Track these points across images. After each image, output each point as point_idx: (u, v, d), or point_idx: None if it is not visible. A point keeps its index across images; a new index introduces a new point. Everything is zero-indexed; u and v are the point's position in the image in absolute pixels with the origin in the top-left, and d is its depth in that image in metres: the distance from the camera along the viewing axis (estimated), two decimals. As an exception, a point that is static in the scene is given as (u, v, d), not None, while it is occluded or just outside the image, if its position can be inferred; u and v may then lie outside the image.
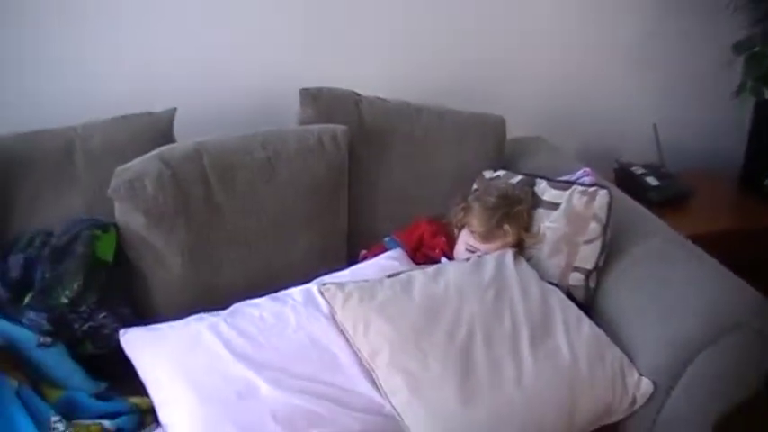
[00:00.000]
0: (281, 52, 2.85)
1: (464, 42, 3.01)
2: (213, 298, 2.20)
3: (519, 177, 2.41)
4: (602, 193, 2.20)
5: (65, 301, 2.11)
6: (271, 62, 2.85)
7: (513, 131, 2.72)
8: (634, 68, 3.27)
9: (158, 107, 2.54)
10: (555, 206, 2.27)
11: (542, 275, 2.18)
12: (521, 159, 2.66)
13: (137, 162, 2.24)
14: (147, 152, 2.30)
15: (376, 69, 2.90)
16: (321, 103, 2.52)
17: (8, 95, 2.63)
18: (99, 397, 2.12)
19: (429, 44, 2.98)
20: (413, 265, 2.29)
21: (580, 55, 3.18)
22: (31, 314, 2.10)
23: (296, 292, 2.14)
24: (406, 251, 2.36)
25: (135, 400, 2.09)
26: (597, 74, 3.24)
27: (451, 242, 2.38)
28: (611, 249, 2.21)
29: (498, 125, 2.64)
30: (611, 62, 3.24)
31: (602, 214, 2.18)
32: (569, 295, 2.15)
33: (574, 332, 2.00)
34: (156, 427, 2.01)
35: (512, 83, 3.09)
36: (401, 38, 2.95)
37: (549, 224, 2.26)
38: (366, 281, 2.09)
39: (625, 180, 3.02)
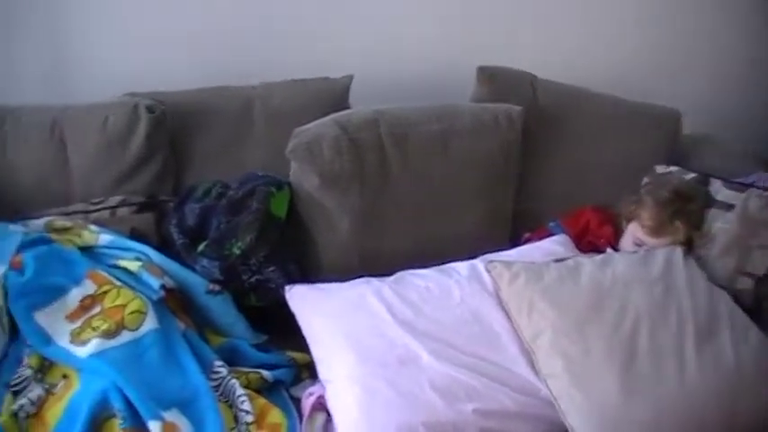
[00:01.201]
0: (456, 28, 2.87)
1: (640, 31, 2.96)
2: (377, 263, 2.24)
3: (692, 175, 2.37)
4: (782, 198, 2.15)
5: (237, 252, 2.18)
6: (445, 37, 2.88)
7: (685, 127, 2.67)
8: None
9: (333, 73, 2.60)
10: (729, 207, 2.22)
11: (710, 276, 2.14)
12: (692, 157, 2.59)
13: (315, 124, 2.31)
14: (322, 115, 2.37)
15: (553, 52, 2.89)
16: (497, 81, 2.54)
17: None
18: (258, 348, 2.21)
19: (607, 30, 2.95)
20: (577, 252, 2.27)
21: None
22: (204, 261, 2.19)
23: (461, 266, 2.16)
24: (571, 237, 2.34)
25: (293, 354, 2.17)
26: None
27: (618, 233, 2.36)
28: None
29: (673, 119, 2.61)
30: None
31: (780, 221, 2.13)
32: (736, 299, 2.10)
33: (740, 338, 1.96)
34: (312, 383, 2.07)
35: (686, 74, 3.00)
36: (580, 24, 2.94)
37: (721, 225, 2.21)
38: (533, 263, 2.09)
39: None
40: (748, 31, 3.05)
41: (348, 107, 2.54)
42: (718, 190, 2.28)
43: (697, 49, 3.03)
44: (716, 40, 3.04)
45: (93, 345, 1.91)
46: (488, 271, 2.09)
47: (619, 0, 2.94)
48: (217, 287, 2.20)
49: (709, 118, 2.89)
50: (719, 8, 2.99)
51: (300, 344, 2.11)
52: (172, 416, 1.83)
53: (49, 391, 1.90)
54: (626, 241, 2.30)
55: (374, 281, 2.13)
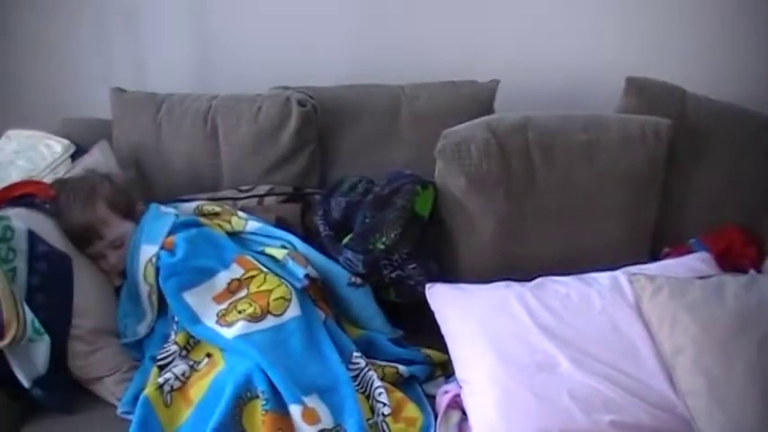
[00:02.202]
0: (605, 38, 2.87)
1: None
2: (517, 268, 2.26)
3: None
4: None
5: (381, 247, 2.22)
6: (593, 47, 2.87)
7: None
8: None
9: (479, 77, 2.64)
10: None
11: None
12: None
13: (464, 126, 2.33)
14: (467, 118, 2.40)
15: (698, 67, 2.84)
16: (646, 93, 2.51)
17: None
18: (395, 343, 2.25)
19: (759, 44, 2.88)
20: (720, 270, 2.23)
21: None
22: (349, 254, 2.23)
23: (602, 276, 2.15)
24: (713, 255, 2.30)
25: (428, 351, 2.20)
26: None
27: (762, 256, 2.32)
28: None
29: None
30: None
31: None
32: None
33: None
34: (447, 381, 2.10)
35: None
36: (730, 36, 2.88)
37: None
38: (676, 278, 2.06)
39: None
40: None
41: (493, 112, 2.56)
42: None
43: None
44: None
45: (239, 327, 1.98)
46: (631, 283, 2.07)
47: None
48: (358, 280, 2.25)
49: None
50: None
51: (435, 342, 2.15)
52: (312, 401, 1.89)
53: (193, 368, 1.99)
54: (772, 265, 2.26)
55: (516, 285, 2.14)
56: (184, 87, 2.72)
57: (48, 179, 2.31)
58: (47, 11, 2.88)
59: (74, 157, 2.47)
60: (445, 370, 2.17)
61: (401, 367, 2.12)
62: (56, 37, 2.92)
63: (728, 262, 2.33)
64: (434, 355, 2.19)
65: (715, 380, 1.84)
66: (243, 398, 1.86)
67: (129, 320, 2.14)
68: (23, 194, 2.17)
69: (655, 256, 2.40)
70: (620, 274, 2.14)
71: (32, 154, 2.42)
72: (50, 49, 2.94)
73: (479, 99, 2.59)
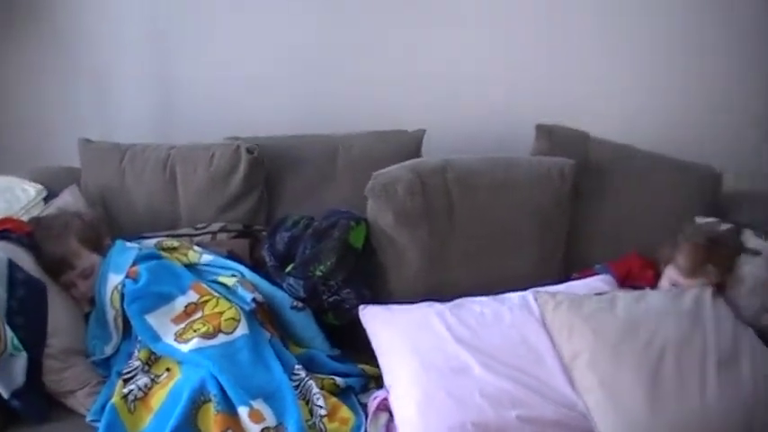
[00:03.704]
0: (520, 89, 3.21)
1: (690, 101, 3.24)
2: (441, 292, 2.53)
3: (727, 226, 2.60)
4: (804, 245, 2.39)
5: (319, 273, 2.51)
6: (509, 97, 3.21)
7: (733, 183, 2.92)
8: None
9: (407, 126, 2.96)
10: (757, 253, 2.46)
11: (737, 315, 2.36)
12: (733, 212, 2.79)
13: (392, 169, 2.64)
14: (397, 162, 2.69)
15: (607, 112, 3.17)
16: (554, 138, 2.83)
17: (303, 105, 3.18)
18: (333, 359, 2.51)
19: (656, 98, 3.23)
20: (618, 289, 2.53)
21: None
22: (291, 280, 2.52)
23: (513, 296, 2.45)
24: (616, 279, 2.59)
25: (363, 366, 2.47)
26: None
27: (658, 277, 2.59)
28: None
29: (714, 178, 2.84)
30: None
31: (803, 264, 2.37)
32: (761, 335, 2.32)
33: (759, 366, 2.17)
34: (377, 392, 2.35)
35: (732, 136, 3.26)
36: (634, 88, 3.23)
37: (749, 269, 2.44)
38: (575, 294, 2.37)
39: None
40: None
41: (420, 156, 2.86)
42: (749, 238, 2.51)
43: (743, 112, 3.27)
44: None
45: (194, 342, 2.24)
46: (536, 299, 2.38)
47: (667, 69, 3.20)
48: (300, 304, 2.52)
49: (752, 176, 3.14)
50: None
51: (368, 359, 2.42)
52: (258, 404, 2.15)
53: (154, 381, 2.24)
54: (663, 283, 2.53)
55: (437, 305, 2.43)
56: (145, 138, 3.01)
57: (24, 218, 2.57)
58: (16, 66, 3.22)
59: (46, 200, 2.73)
60: (378, 383, 2.40)
61: (338, 379, 2.38)
62: (25, 92, 3.25)
63: (630, 284, 2.61)
64: (368, 369, 2.45)
65: (606, 378, 2.14)
66: (197, 401, 2.12)
67: (97, 342, 2.40)
68: (2, 230, 2.42)
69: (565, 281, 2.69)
70: (528, 294, 2.44)
71: (9, 196, 2.68)
72: (18, 104, 3.26)
73: (408, 145, 2.89)
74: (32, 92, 3.26)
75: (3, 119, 3.27)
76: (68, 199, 2.71)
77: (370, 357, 2.40)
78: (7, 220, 2.50)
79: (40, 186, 2.77)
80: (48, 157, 3.09)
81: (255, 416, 2.12)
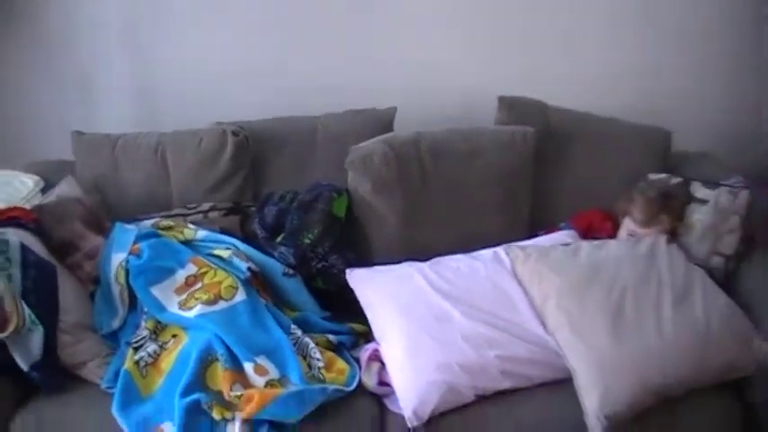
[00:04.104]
0: (484, 65, 3.44)
1: (642, 70, 3.49)
2: (419, 252, 2.76)
3: (678, 179, 2.83)
4: (745, 192, 2.63)
5: (308, 241, 2.72)
6: (474, 72, 3.44)
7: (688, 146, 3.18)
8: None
9: (380, 104, 3.16)
10: (705, 202, 2.68)
11: (689, 258, 2.59)
12: (684, 168, 3.03)
13: (368, 143, 2.86)
14: (371, 138, 2.90)
15: (565, 83, 3.39)
16: (515, 109, 3.05)
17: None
18: (325, 320, 2.70)
19: (612, 68, 3.47)
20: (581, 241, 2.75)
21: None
22: (282, 249, 2.72)
23: (486, 252, 2.69)
24: (578, 233, 2.82)
25: (352, 324, 2.67)
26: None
27: (617, 228, 2.82)
28: (750, 240, 2.62)
29: (664, 137, 3.09)
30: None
31: (743, 210, 2.61)
32: (710, 275, 2.55)
33: (710, 301, 2.40)
34: (367, 345, 2.56)
35: (680, 98, 3.51)
36: (590, 61, 3.48)
37: (698, 216, 2.67)
38: (542, 245, 2.61)
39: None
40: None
41: (392, 131, 3.07)
42: (697, 189, 2.73)
43: (690, 83, 3.53)
44: (706, 73, 3.55)
45: (198, 309, 2.44)
46: (507, 253, 2.61)
47: (619, 39, 3.46)
48: (291, 271, 2.71)
49: (700, 137, 3.40)
50: (710, 49, 3.51)
51: (356, 319, 2.64)
52: (261, 360, 2.35)
53: (162, 347, 2.44)
54: (621, 233, 2.76)
55: (417, 263, 2.66)
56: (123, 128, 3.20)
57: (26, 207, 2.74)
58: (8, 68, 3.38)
59: (43, 191, 2.90)
60: (367, 339, 2.61)
61: (331, 336, 2.58)
62: (9, 88, 3.41)
63: (591, 236, 2.82)
64: (357, 327, 2.65)
65: (573, 316, 2.37)
66: (206, 360, 2.32)
67: (104, 317, 2.57)
68: (10, 217, 2.58)
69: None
70: (499, 249, 2.67)
71: (9, 188, 2.85)
72: (2, 100, 3.43)
73: (381, 122, 3.09)
74: (16, 88, 3.42)
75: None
76: (65, 188, 2.87)
77: (358, 318, 2.62)
78: (14, 208, 2.65)
79: (37, 178, 2.93)
80: (34, 152, 3.25)
81: (260, 370, 2.32)
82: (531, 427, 2.29)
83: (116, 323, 2.57)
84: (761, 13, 3.44)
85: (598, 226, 2.87)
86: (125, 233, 2.66)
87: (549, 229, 2.91)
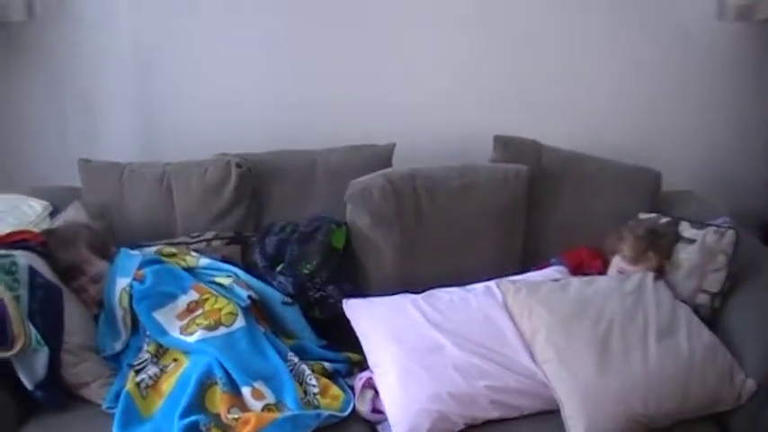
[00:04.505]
0: (480, 106, 3.53)
1: (634, 110, 3.61)
2: (414, 284, 2.83)
3: (666, 219, 2.91)
4: (731, 232, 2.72)
5: (306, 272, 2.80)
6: (470, 113, 3.53)
7: (673, 186, 3.26)
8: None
9: (380, 140, 3.26)
10: (692, 242, 2.75)
11: (676, 295, 2.67)
12: (672, 208, 3.11)
13: (366, 178, 2.94)
14: (370, 172, 2.99)
15: (558, 124, 3.49)
16: (510, 147, 3.14)
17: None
18: (321, 348, 2.78)
19: (603, 108, 3.58)
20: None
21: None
22: (281, 278, 2.80)
23: (478, 286, 2.76)
24: (568, 268, 2.90)
25: (348, 354, 2.74)
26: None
27: (606, 265, 2.89)
28: (736, 279, 2.70)
29: (654, 178, 3.17)
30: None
31: (729, 249, 2.69)
32: (696, 312, 2.63)
33: (694, 337, 2.48)
34: (361, 373, 2.63)
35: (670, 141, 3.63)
36: (582, 101, 3.58)
37: (685, 255, 2.74)
38: (533, 280, 2.70)
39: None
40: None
41: (391, 166, 3.15)
42: (685, 228, 2.81)
43: (680, 123, 3.66)
44: (697, 117, 3.67)
45: (198, 334, 2.52)
46: (498, 287, 2.69)
47: (609, 83, 3.57)
48: (290, 300, 2.78)
49: (689, 178, 3.52)
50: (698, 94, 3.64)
51: (351, 348, 2.71)
52: (259, 385, 2.43)
53: (162, 370, 2.51)
54: (611, 270, 2.83)
55: (411, 295, 2.74)
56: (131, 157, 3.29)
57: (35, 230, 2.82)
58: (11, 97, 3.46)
59: (51, 215, 2.97)
60: (361, 367, 2.67)
61: (327, 364, 2.66)
62: (12, 116, 3.48)
63: (581, 272, 2.89)
64: (352, 356, 2.72)
65: (561, 349, 2.44)
66: (205, 384, 2.40)
67: (107, 339, 2.64)
68: (19, 240, 2.65)
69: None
70: (491, 283, 2.75)
71: (18, 212, 2.91)
72: (6, 128, 3.50)
73: (380, 158, 3.17)
74: (21, 117, 3.48)
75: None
76: (73, 213, 2.94)
77: (353, 347, 2.69)
78: (23, 231, 2.72)
79: (45, 202, 3.00)
80: (39, 180, 3.31)
81: (257, 394, 2.40)
82: (520, 456, 2.35)
83: (119, 346, 2.63)
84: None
85: (588, 263, 2.94)
86: (129, 259, 2.74)
87: (540, 264, 2.98)
